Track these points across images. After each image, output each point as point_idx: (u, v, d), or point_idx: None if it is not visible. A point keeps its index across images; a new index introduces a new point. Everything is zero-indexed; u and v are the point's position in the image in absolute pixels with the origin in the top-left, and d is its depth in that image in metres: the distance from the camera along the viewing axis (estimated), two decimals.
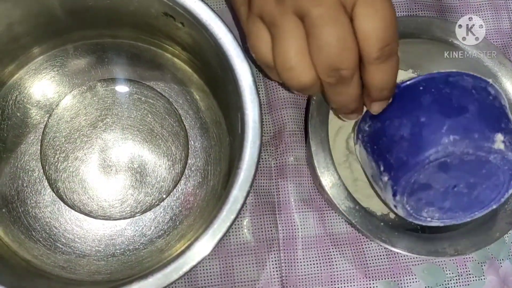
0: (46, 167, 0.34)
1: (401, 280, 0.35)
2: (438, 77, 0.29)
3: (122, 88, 0.35)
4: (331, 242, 0.35)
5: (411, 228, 0.34)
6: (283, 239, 0.35)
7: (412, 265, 0.35)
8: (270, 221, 0.35)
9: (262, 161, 0.36)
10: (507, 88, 0.35)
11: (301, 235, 0.35)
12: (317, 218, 0.35)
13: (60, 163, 0.34)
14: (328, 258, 0.35)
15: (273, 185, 0.36)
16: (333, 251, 0.35)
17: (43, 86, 0.35)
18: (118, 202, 0.34)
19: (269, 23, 0.27)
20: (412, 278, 0.35)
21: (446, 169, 0.28)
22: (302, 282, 0.34)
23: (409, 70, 0.37)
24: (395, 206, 0.30)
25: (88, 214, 0.33)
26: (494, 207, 0.31)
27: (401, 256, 0.36)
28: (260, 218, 0.35)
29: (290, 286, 0.34)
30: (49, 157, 0.34)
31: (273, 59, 0.27)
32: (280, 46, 0.27)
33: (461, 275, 0.36)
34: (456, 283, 0.36)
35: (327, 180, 0.32)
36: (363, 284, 0.35)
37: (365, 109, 0.31)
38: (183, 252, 0.25)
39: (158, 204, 0.34)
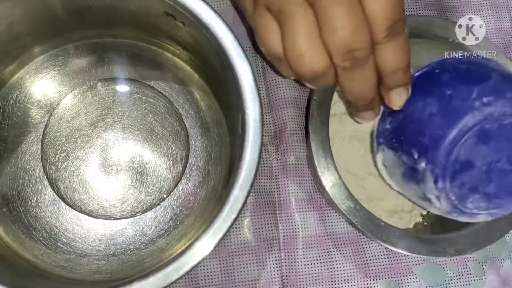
0: (47, 166, 0.34)
1: (401, 279, 0.35)
2: (450, 59, 0.29)
3: (122, 88, 0.35)
4: (331, 242, 0.35)
5: None
6: (284, 239, 0.35)
7: (413, 264, 0.35)
8: (270, 220, 0.35)
9: (263, 161, 0.36)
10: None
11: (302, 234, 0.35)
12: (317, 218, 0.35)
13: (61, 162, 0.34)
14: (329, 258, 0.35)
15: (273, 185, 0.35)
16: (334, 251, 0.35)
17: (43, 85, 0.35)
18: (119, 202, 0.34)
19: (277, 12, 0.26)
20: (413, 278, 0.35)
21: (486, 139, 0.27)
22: (303, 281, 0.34)
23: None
24: (438, 198, 0.28)
25: (89, 213, 0.33)
26: None
27: (402, 256, 0.36)
28: (261, 218, 0.35)
29: (290, 286, 0.34)
30: (49, 156, 0.34)
31: (283, 48, 0.27)
32: (289, 32, 0.26)
33: (462, 275, 0.36)
34: (457, 282, 0.36)
35: (328, 179, 0.32)
36: (364, 284, 0.35)
37: (381, 110, 0.31)
38: (183, 252, 0.25)
39: (158, 204, 0.34)
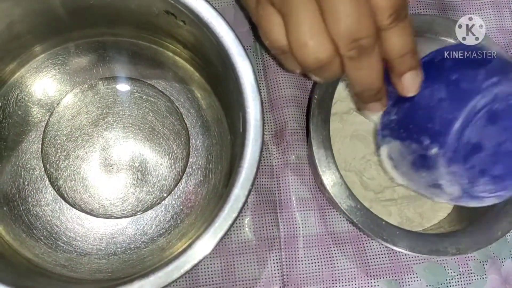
0: (47, 165, 0.34)
1: (402, 279, 0.35)
2: (449, 47, 0.29)
3: (123, 87, 0.35)
4: (332, 241, 0.35)
5: None
6: (284, 238, 0.35)
7: (414, 264, 0.35)
8: (271, 219, 0.35)
9: (264, 160, 0.36)
10: None
11: (303, 233, 0.35)
12: (318, 217, 0.35)
13: (61, 161, 0.34)
14: (330, 257, 0.35)
15: (274, 184, 0.35)
16: (335, 250, 0.35)
17: (44, 84, 0.35)
18: (119, 201, 0.34)
19: (279, 4, 0.26)
20: (414, 277, 0.35)
21: (495, 120, 0.27)
22: (303, 280, 0.34)
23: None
24: (451, 182, 0.29)
25: (89, 212, 0.33)
26: None
27: (403, 255, 0.36)
28: (261, 217, 0.35)
29: (291, 285, 0.34)
30: (50, 155, 0.34)
31: (287, 41, 0.27)
32: (293, 24, 0.26)
33: (463, 274, 0.36)
34: (458, 282, 0.36)
35: (329, 179, 0.32)
36: (365, 283, 0.35)
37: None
38: (184, 251, 0.25)
39: (159, 203, 0.34)
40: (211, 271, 0.34)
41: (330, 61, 0.26)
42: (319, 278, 0.34)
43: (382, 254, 0.35)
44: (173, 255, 0.26)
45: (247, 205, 0.35)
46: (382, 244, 0.35)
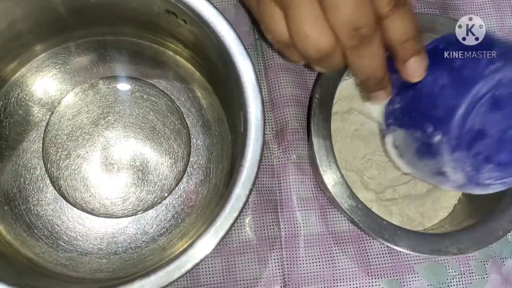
0: (48, 165, 0.34)
1: (403, 278, 0.35)
2: (451, 35, 0.29)
3: (124, 86, 0.35)
4: (333, 240, 0.35)
5: None
6: (285, 237, 0.35)
7: (415, 263, 0.35)
8: (272, 219, 0.35)
9: (265, 159, 0.36)
10: None
11: (303, 233, 0.35)
12: (319, 216, 0.35)
13: (62, 161, 0.34)
14: (330, 256, 0.35)
15: (275, 183, 0.35)
16: (335, 249, 0.35)
17: (45, 83, 0.35)
18: (120, 200, 0.34)
19: None
20: (415, 277, 0.35)
21: (498, 106, 0.27)
22: (304, 280, 0.34)
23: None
24: (455, 169, 0.28)
25: (90, 212, 0.33)
26: None
27: (404, 255, 0.36)
28: (262, 216, 0.35)
29: (292, 284, 0.34)
30: (51, 155, 0.34)
31: (288, 34, 0.27)
32: (293, 16, 0.26)
33: (464, 274, 0.36)
34: (459, 281, 0.36)
35: (330, 178, 0.32)
36: (365, 282, 0.35)
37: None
38: (185, 250, 0.25)
39: (160, 202, 0.34)
40: (212, 270, 0.34)
41: (332, 51, 0.26)
42: (320, 278, 0.34)
43: (383, 253, 0.35)
44: (174, 254, 0.25)
45: (248, 204, 0.35)
46: (383, 244, 0.35)
